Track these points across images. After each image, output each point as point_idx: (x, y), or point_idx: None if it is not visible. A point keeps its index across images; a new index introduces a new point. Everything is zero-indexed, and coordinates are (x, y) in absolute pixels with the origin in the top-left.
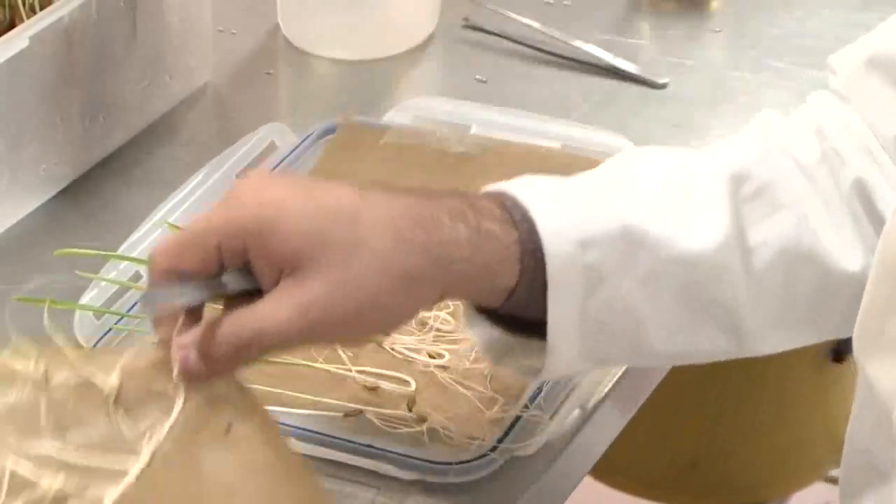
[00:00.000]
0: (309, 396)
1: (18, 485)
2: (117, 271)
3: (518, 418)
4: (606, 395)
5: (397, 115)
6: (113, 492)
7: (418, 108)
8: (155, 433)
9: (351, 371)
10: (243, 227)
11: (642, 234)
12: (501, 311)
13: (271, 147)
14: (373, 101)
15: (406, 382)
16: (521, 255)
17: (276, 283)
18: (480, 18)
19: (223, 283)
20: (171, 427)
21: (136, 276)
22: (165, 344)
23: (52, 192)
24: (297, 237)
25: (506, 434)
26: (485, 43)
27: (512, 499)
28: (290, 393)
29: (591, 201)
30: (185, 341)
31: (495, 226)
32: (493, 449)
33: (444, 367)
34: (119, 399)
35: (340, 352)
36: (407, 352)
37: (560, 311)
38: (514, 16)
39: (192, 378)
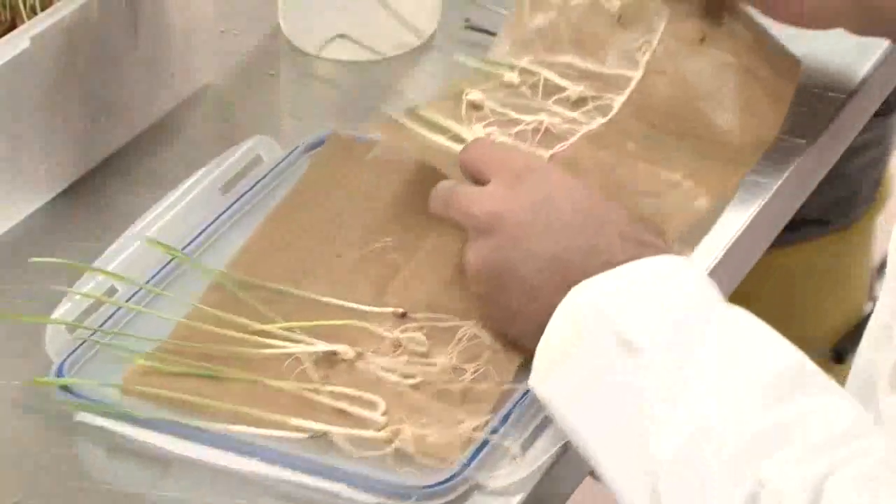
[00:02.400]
0: (275, 416)
1: (552, 88)
2: (95, 283)
3: (486, 442)
4: None
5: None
6: (620, 98)
7: None
8: (648, 47)
9: (320, 391)
10: None
11: None
12: None
13: (257, 160)
14: (374, 102)
15: (376, 403)
16: None
17: None
18: (482, 19)
19: None
20: (659, 41)
21: (111, 291)
22: None
23: (54, 193)
24: None
25: (472, 459)
26: (486, 43)
27: None
28: (254, 412)
29: None
30: None
31: None
32: (460, 473)
33: (416, 388)
34: (621, 18)
35: (311, 371)
36: (380, 372)
37: None
38: None
39: None
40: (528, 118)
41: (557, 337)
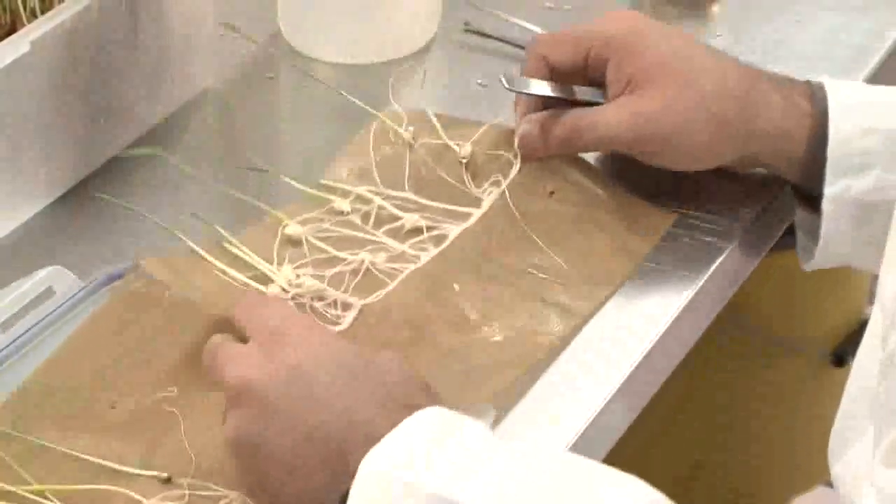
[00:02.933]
0: None
1: (386, 217)
2: None
3: None
4: (612, 398)
5: None
6: (457, 229)
7: None
8: (493, 190)
9: None
10: (614, 37)
11: None
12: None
13: (48, 293)
14: (374, 105)
15: None
16: (811, 128)
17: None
18: (481, 23)
19: (574, 90)
20: (507, 186)
21: None
22: (520, 116)
23: (54, 196)
24: (653, 55)
25: None
26: (486, 47)
27: None
28: None
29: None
30: (532, 118)
31: (803, 100)
32: None
33: None
34: (469, 163)
35: None
36: None
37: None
38: (514, 20)
39: (529, 150)
40: (349, 257)
41: None
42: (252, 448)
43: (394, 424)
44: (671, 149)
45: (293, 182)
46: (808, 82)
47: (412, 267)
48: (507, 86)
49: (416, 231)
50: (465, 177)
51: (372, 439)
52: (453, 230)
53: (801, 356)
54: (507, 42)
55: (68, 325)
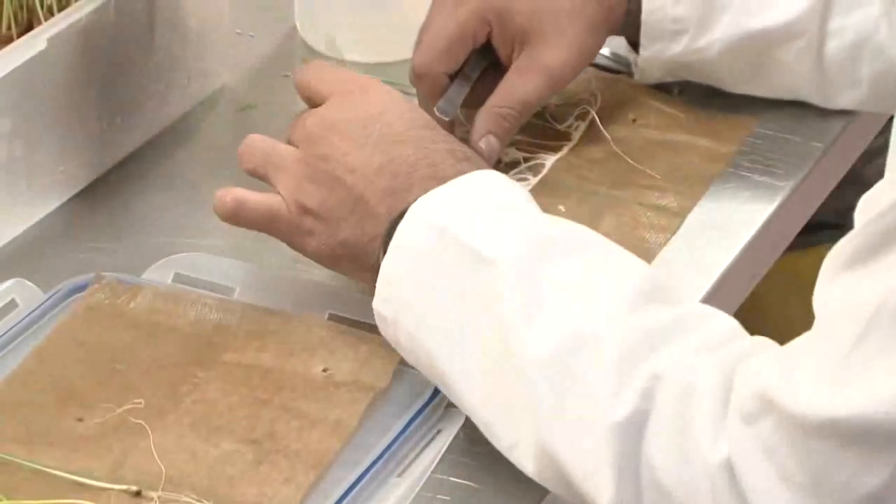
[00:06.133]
0: None
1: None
2: None
3: None
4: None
5: (156, 273)
6: (552, 158)
7: (181, 265)
8: (580, 124)
9: None
10: (488, 11)
11: None
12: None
13: (11, 305)
14: None
15: None
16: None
17: (510, 56)
18: None
19: (469, 74)
20: (592, 121)
21: None
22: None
23: (70, 194)
24: (528, 10)
25: None
26: None
27: None
28: None
29: None
30: (481, 132)
31: None
32: None
33: None
34: (551, 110)
35: None
36: None
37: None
38: None
39: (493, 154)
40: None
41: (400, 257)
42: (326, 182)
43: (459, 172)
44: (577, 70)
45: None
46: None
47: None
48: (447, 117)
49: (514, 164)
50: (548, 117)
51: (434, 179)
52: (549, 159)
53: None
54: None
55: (31, 338)
